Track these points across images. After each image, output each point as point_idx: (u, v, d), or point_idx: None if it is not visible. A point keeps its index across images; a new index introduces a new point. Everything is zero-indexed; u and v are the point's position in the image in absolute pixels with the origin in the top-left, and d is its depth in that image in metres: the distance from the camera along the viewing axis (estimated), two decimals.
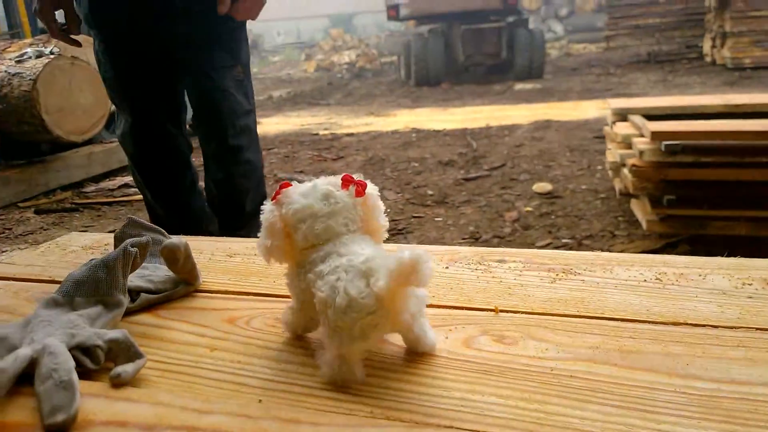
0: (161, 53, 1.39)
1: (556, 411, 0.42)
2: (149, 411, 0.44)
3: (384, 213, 0.56)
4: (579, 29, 14.14)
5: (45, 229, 2.83)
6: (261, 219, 0.53)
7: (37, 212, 3.05)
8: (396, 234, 2.55)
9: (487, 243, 2.40)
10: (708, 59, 8.21)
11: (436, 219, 2.75)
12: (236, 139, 1.47)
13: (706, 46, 8.26)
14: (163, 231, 0.72)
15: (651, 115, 2.32)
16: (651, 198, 1.92)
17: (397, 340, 0.52)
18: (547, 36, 9.70)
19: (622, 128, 2.26)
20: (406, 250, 0.43)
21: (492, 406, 0.43)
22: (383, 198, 2.94)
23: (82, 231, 2.80)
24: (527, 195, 2.99)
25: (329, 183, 0.54)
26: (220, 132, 1.47)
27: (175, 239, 0.63)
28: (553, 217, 2.63)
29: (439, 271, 0.69)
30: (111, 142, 3.91)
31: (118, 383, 0.47)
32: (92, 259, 0.61)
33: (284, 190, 0.54)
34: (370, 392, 0.46)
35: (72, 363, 0.46)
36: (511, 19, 8.63)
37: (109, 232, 2.74)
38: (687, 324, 0.53)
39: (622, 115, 2.48)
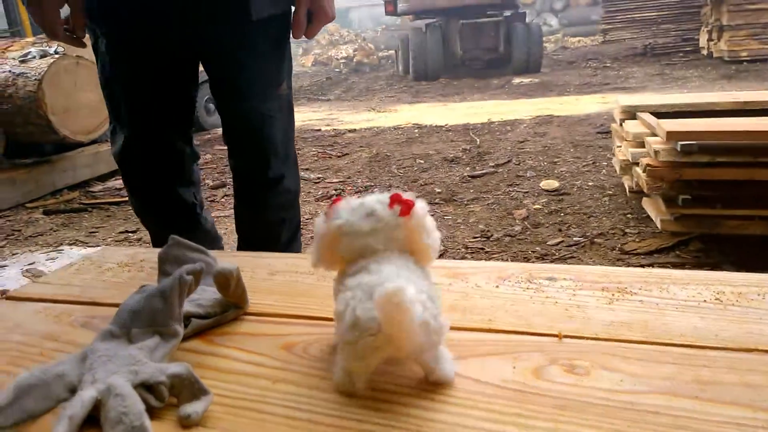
0: (180, 59, 1.21)
1: None
2: None
3: (434, 231, 0.56)
4: (574, 22, 14.12)
5: (55, 230, 2.81)
6: (314, 232, 0.55)
7: (46, 213, 3.02)
8: None
9: (498, 242, 2.39)
10: (704, 52, 8.21)
11: (446, 217, 2.74)
12: (277, 169, 1.32)
13: (703, 39, 8.26)
14: (206, 250, 0.71)
15: (660, 113, 2.31)
16: (665, 197, 1.91)
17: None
18: (543, 29, 9.67)
19: (633, 126, 2.26)
20: (386, 284, 0.43)
21: None
22: None
23: (92, 232, 2.78)
24: (535, 192, 2.98)
25: (377, 200, 0.55)
26: (261, 163, 1.30)
27: (227, 264, 0.61)
28: (562, 214, 2.63)
29: (490, 290, 0.68)
30: None
31: (188, 424, 0.45)
32: (143, 286, 0.60)
33: (335, 204, 0.55)
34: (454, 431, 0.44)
35: (142, 406, 0.45)
36: (508, 13, 8.60)
37: (137, 243, 2.71)
38: (758, 350, 0.52)
39: (631, 113, 2.48)
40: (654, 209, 2.05)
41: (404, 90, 8.35)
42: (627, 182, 2.39)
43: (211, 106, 5.88)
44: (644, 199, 2.21)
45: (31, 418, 0.47)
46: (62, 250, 2.53)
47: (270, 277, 0.75)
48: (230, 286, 0.61)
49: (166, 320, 0.55)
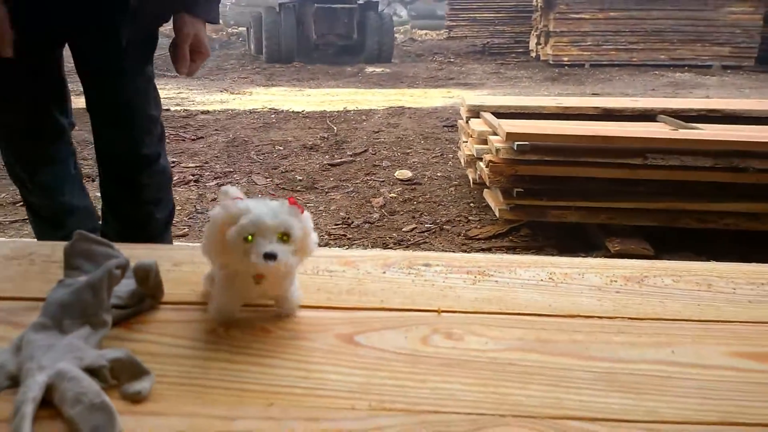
0: (45, 26, 1.18)
1: (507, 392, 0.56)
2: (181, 423, 0.50)
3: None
4: (422, 16, 14.83)
5: None
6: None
7: None
8: None
9: (358, 228, 2.55)
10: (533, 54, 9.14)
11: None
12: (153, 147, 1.35)
13: (532, 42, 9.18)
14: (112, 244, 0.74)
15: (499, 113, 2.62)
16: (503, 189, 2.20)
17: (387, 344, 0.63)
18: (393, 20, 10.09)
19: (477, 125, 2.53)
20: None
21: (460, 392, 0.56)
22: (252, 183, 3.02)
23: None
24: (390, 181, 3.19)
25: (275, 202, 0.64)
26: (135, 140, 1.32)
27: (146, 260, 0.66)
28: (415, 203, 2.86)
29: (379, 276, 0.80)
30: None
31: (138, 400, 0.52)
32: (62, 280, 0.63)
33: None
34: (366, 389, 0.56)
35: (97, 386, 0.50)
36: (361, 1, 8.80)
37: (23, 237, 2.42)
38: (580, 316, 0.71)
39: (475, 112, 2.77)
40: (493, 200, 2.34)
41: (257, 71, 8.20)
42: (471, 175, 2.67)
43: None
44: (485, 190, 2.50)
45: None
46: None
47: (175, 267, 0.80)
48: (149, 280, 0.66)
49: (96, 311, 0.59)
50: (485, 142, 2.36)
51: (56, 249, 0.86)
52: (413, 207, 2.80)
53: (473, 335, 0.66)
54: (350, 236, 2.46)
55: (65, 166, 1.41)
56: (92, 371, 0.53)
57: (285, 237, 0.60)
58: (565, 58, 8.15)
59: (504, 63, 8.88)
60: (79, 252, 0.71)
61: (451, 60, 9.26)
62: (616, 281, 0.80)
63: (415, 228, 2.55)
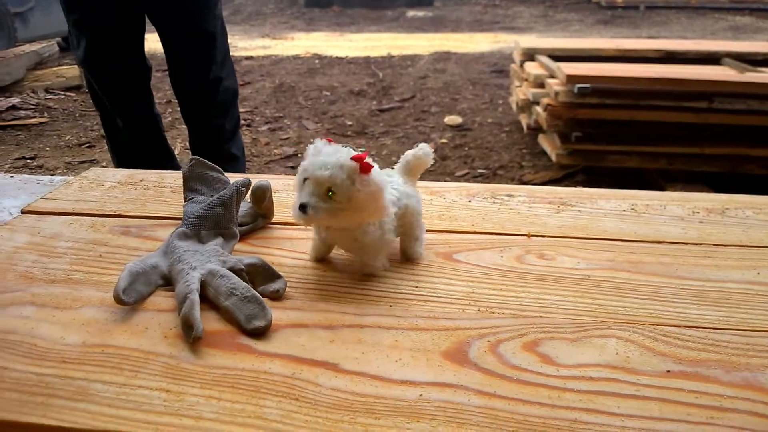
0: None
1: (605, 303, 0.61)
2: (318, 316, 0.56)
3: None
4: None
5: None
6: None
7: None
8: None
9: None
10: None
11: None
12: (217, 72, 1.66)
13: None
14: (221, 170, 0.80)
15: (555, 56, 2.57)
16: (560, 134, 2.19)
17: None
18: None
19: (533, 68, 2.50)
20: None
21: (560, 302, 0.61)
22: (303, 128, 3.09)
23: None
24: (440, 127, 3.19)
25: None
26: (203, 70, 1.63)
27: (263, 181, 0.72)
28: (466, 148, 2.87)
29: (465, 204, 0.85)
30: None
31: (276, 297, 0.58)
32: (191, 198, 0.69)
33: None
34: (472, 297, 0.61)
35: (244, 282, 0.56)
36: None
37: (38, 170, 2.56)
38: (666, 242, 0.74)
39: (529, 55, 2.72)
40: (549, 145, 2.34)
41: (297, 16, 8.13)
42: (524, 120, 2.66)
43: (29, 15, 5.01)
44: (540, 135, 2.49)
45: (142, 299, 0.57)
46: None
47: (273, 194, 0.86)
48: (265, 199, 0.72)
49: (227, 224, 0.65)
50: (542, 85, 2.33)
51: (164, 176, 0.93)
52: (465, 152, 2.81)
53: (565, 256, 0.70)
54: None
55: (150, 102, 1.72)
56: (234, 272, 0.59)
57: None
58: (619, 0, 7.79)
59: (552, 5, 8.56)
60: (195, 176, 0.77)
61: (496, 3, 8.97)
62: (698, 212, 0.82)
63: (468, 173, 2.57)
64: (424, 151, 0.70)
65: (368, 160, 0.58)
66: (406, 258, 0.68)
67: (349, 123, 3.26)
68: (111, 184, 0.89)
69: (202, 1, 1.58)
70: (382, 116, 3.40)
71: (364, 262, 0.64)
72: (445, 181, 2.46)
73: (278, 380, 0.48)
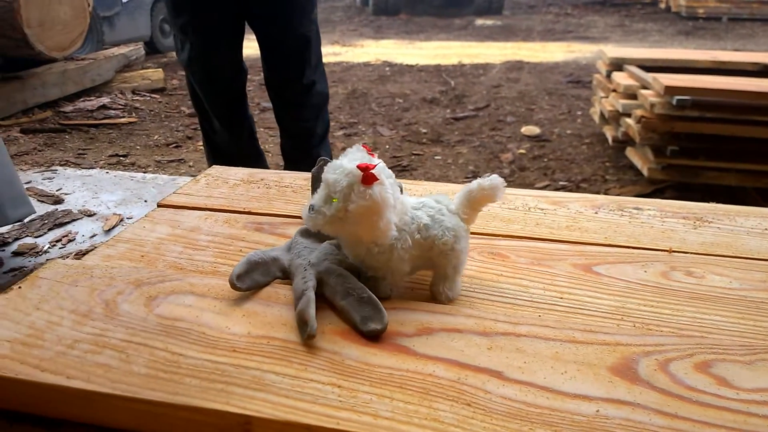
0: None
1: (765, 326, 0.57)
2: (470, 321, 0.55)
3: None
4: None
5: (39, 150, 2.74)
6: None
7: (23, 132, 2.92)
8: (401, 171, 2.66)
9: None
10: (662, 5, 8.46)
11: (435, 157, 2.86)
12: (310, 76, 1.70)
13: None
14: None
15: (644, 66, 2.49)
16: (654, 147, 2.11)
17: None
18: None
19: (623, 78, 2.42)
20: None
21: (722, 323, 0.57)
22: (378, 134, 3.11)
23: (81, 154, 2.74)
24: (517, 137, 3.14)
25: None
26: (297, 73, 1.68)
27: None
28: (545, 160, 2.81)
29: (591, 215, 0.82)
30: (82, 60, 3.71)
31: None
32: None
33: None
34: (624, 312, 0.59)
35: (360, 284, 0.56)
36: None
37: (131, 167, 2.69)
38: None
39: (617, 65, 2.64)
40: (640, 158, 2.25)
41: (365, 24, 8.23)
42: (610, 132, 2.58)
43: (166, 26, 5.51)
44: (629, 149, 2.41)
45: (257, 287, 0.59)
46: (56, 170, 2.48)
47: None
48: None
49: None
50: (632, 97, 2.26)
51: (283, 176, 0.95)
52: (544, 164, 2.76)
53: (714, 275, 0.67)
54: None
55: (245, 104, 1.79)
56: (351, 272, 0.59)
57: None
58: (701, 10, 7.48)
59: (628, 15, 8.32)
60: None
61: (568, 12, 8.80)
62: None
63: (549, 185, 2.51)
64: (492, 183, 0.58)
65: (377, 172, 0.52)
66: (432, 297, 0.60)
67: (424, 131, 3.25)
68: (234, 182, 0.92)
69: (300, 6, 1.63)
70: (456, 124, 3.38)
71: (371, 284, 0.58)
72: None
73: (446, 384, 0.48)
